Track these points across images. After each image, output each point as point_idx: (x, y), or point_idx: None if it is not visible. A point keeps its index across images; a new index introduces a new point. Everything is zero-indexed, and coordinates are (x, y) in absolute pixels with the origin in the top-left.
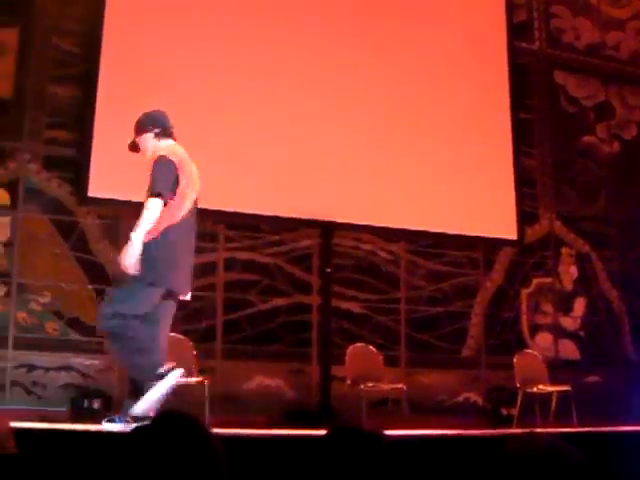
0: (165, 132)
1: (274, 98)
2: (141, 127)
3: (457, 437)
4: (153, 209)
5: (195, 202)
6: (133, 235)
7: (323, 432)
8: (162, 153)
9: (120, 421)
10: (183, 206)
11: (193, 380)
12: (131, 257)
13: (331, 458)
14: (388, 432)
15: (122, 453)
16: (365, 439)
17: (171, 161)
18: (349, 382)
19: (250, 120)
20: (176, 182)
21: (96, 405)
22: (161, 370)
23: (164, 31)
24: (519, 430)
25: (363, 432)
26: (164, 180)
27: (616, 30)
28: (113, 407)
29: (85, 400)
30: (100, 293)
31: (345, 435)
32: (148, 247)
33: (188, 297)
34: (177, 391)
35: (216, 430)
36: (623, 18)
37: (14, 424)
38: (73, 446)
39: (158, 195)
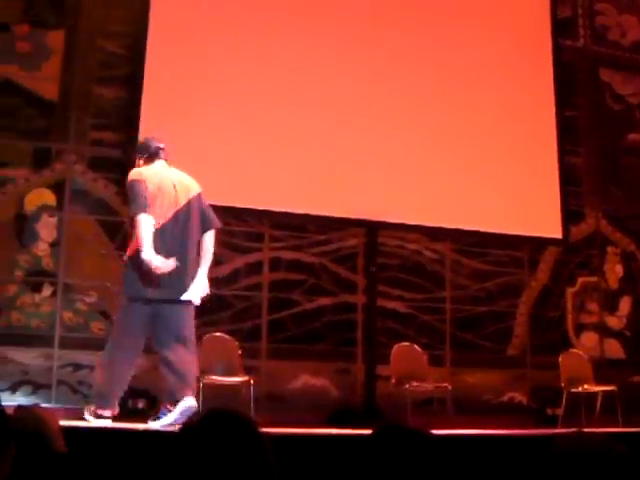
0: (151, 157)
1: (322, 98)
2: (135, 158)
3: (503, 437)
4: (141, 225)
5: (181, 208)
6: (144, 255)
7: (369, 431)
8: (130, 177)
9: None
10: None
11: (239, 379)
12: (160, 267)
13: (378, 457)
14: (434, 432)
15: (171, 452)
16: (412, 437)
17: (139, 180)
18: (394, 381)
19: (297, 120)
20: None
21: (141, 405)
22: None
23: (209, 32)
24: (566, 430)
25: (410, 430)
26: (137, 198)
27: None
28: (158, 406)
29: (130, 400)
30: None
31: (392, 434)
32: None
33: (194, 301)
34: (223, 390)
35: (262, 429)
36: None
37: (64, 423)
38: (121, 445)
39: (135, 214)
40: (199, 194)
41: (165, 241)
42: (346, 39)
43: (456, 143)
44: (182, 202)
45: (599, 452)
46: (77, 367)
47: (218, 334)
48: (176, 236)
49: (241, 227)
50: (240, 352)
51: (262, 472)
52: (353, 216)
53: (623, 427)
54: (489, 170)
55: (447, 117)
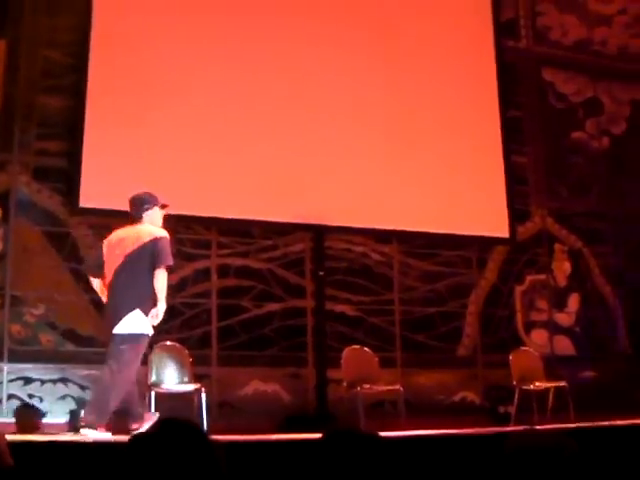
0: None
1: (265, 104)
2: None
3: (455, 436)
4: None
5: (118, 265)
6: (162, 305)
7: (319, 435)
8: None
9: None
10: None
11: (190, 387)
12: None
13: (328, 461)
14: (386, 433)
15: (122, 462)
16: (361, 441)
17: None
18: (345, 385)
19: (241, 126)
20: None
21: None
22: None
23: (152, 39)
24: (518, 427)
25: (359, 434)
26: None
27: (603, 26)
28: (111, 417)
29: (82, 411)
30: (94, 303)
31: (341, 438)
32: None
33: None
34: (175, 399)
35: (214, 437)
36: (609, 14)
37: (10, 437)
38: (72, 457)
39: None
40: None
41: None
42: (294, 45)
43: (402, 145)
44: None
45: (550, 449)
46: (27, 380)
47: (168, 342)
48: (120, 282)
49: (188, 235)
50: (190, 360)
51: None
52: (299, 220)
53: (575, 423)
54: (435, 171)
55: (392, 119)
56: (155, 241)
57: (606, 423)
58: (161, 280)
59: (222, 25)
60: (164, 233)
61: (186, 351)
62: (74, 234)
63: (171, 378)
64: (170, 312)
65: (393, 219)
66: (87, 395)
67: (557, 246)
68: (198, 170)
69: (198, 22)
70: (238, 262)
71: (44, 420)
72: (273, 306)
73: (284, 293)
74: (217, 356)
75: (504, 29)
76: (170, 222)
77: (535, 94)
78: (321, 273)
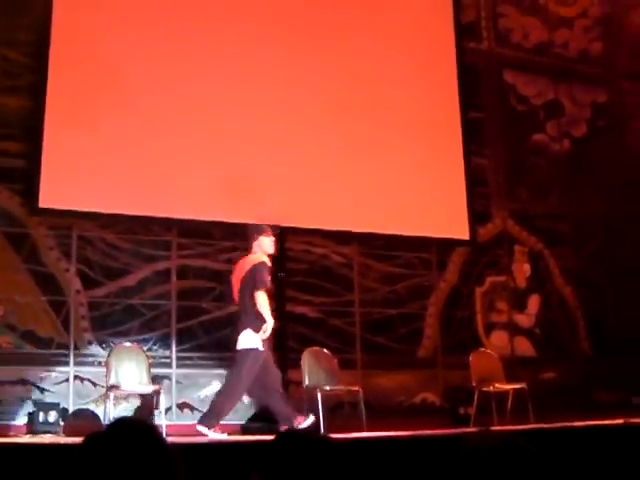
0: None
1: (225, 105)
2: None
3: (413, 438)
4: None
5: (237, 289)
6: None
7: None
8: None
9: None
10: None
11: (148, 389)
12: None
13: (279, 463)
14: (344, 435)
15: (76, 462)
16: (311, 443)
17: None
18: (305, 386)
19: (202, 127)
20: None
21: (52, 418)
22: None
23: (112, 40)
24: (476, 428)
25: (309, 436)
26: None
27: (564, 28)
28: (69, 419)
29: (41, 413)
30: (53, 304)
31: (292, 440)
32: None
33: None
34: (134, 400)
35: (172, 438)
36: (570, 16)
37: None
38: (30, 459)
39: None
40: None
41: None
42: (248, 44)
43: (362, 147)
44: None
45: (504, 450)
46: None
47: (127, 344)
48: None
49: (149, 236)
50: (150, 361)
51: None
52: (259, 221)
53: (534, 424)
54: (396, 173)
55: (353, 121)
56: (253, 267)
57: (565, 424)
58: (260, 301)
59: (181, 25)
60: (262, 259)
61: (145, 352)
62: (34, 235)
63: (130, 379)
64: (129, 313)
65: (353, 221)
66: (46, 397)
67: (517, 248)
68: (158, 171)
69: (157, 22)
70: (198, 263)
71: (2, 422)
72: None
73: None
74: (177, 357)
75: (465, 31)
76: (129, 223)
77: (496, 96)
78: (281, 274)
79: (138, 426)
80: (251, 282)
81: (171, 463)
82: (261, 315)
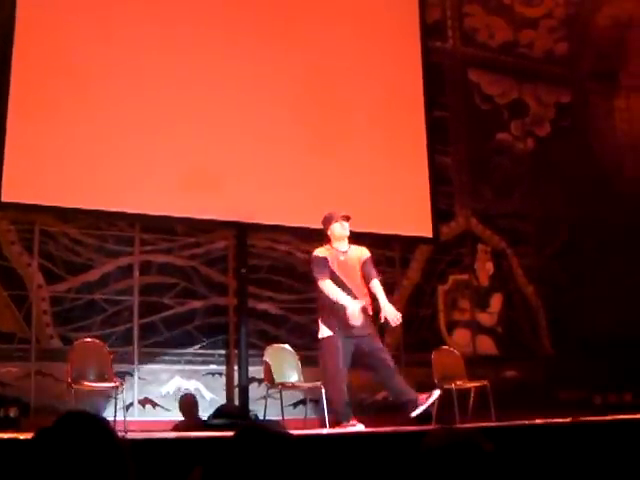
0: None
1: (185, 99)
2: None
3: (374, 435)
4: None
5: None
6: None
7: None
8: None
9: None
10: None
11: (110, 385)
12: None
13: (239, 459)
14: (305, 431)
15: (26, 455)
16: (271, 439)
17: None
18: (267, 383)
19: (164, 123)
20: None
21: (13, 413)
22: None
23: (76, 35)
24: (437, 426)
25: (269, 432)
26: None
27: (529, 29)
28: (31, 414)
29: (1, 408)
30: (15, 299)
31: (252, 435)
32: None
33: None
34: (95, 396)
35: (133, 434)
36: (536, 17)
37: None
38: None
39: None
40: None
41: None
42: (211, 40)
43: (326, 144)
44: None
45: (464, 447)
46: None
47: (89, 339)
48: None
49: (111, 231)
50: (111, 357)
51: (116, 473)
52: (223, 218)
53: (495, 422)
54: (360, 170)
55: (317, 117)
56: (310, 261)
57: (526, 422)
58: (324, 290)
59: (143, 22)
60: (316, 252)
61: (107, 348)
62: None
63: (91, 375)
64: (91, 309)
65: (316, 217)
66: (6, 392)
67: (480, 246)
68: (122, 166)
69: (120, 19)
70: (161, 259)
71: None
72: (195, 303)
73: (207, 290)
74: (139, 353)
75: (431, 30)
76: (92, 218)
77: (461, 95)
78: (243, 271)
79: (88, 419)
80: (312, 275)
81: (121, 457)
82: (324, 306)
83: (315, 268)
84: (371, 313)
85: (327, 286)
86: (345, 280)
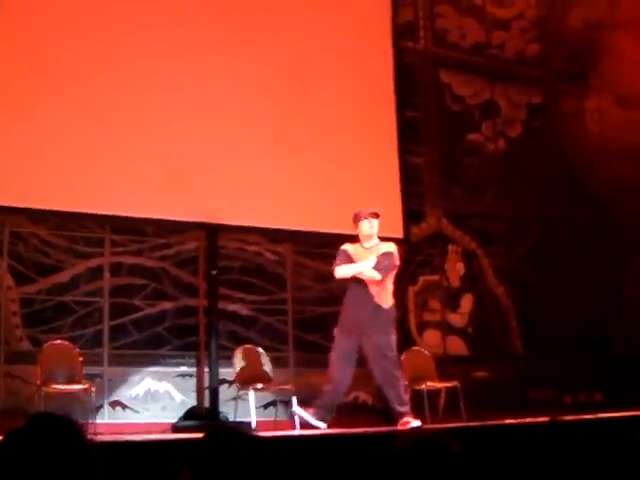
0: None
1: (155, 100)
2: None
3: (343, 436)
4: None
5: None
6: None
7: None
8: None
9: None
10: None
11: (80, 387)
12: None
13: (209, 460)
14: (275, 433)
15: None
16: (240, 441)
17: None
18: (238, 384)
19: (134, 124)
20: None
21: None
22: None
23: (44, 30)
24: (405, 427)
25: (239, 434)
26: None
27: (501, 30)
28: None
29: None
30: None
31: (221, 437)
32: None
33: None
34: (65, 398)
35: (103, 436)
36: (508, 18)
37: None
38: None
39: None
40: None
41: None
42: (182, 41)
43: (297, 144)
44: None
45: (433, 448)
46: None
47: (59, 341)
48: None
49: (81, 232)
50: (81, 359)
51: (85, 474)
52: (193, 219)
53: (466, 422)
54: (330, 171)
55: (287, 118)
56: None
57: (496, 422)
58: (338, 276)
59: (116, 21)
60: (344, 246)
61: (77, 350)
62: None
63: (61, 377)
64: (61, 310)
65: (287, 218)
66: None
67: (451, 247)
68: (91, 167)
69: (92, 18)
70: (131, 260)
71: None
72: (166, 305)
73: (177, 292)
74: (109, 355)
75: (403, 30)
76: (62, 219)
77: (432, 95)
78: (214, 272)
79: (58, 421)
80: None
81: (90, 459)
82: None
83: (335, 260)
84: (388, 310)
85: (339, 270)
86: None
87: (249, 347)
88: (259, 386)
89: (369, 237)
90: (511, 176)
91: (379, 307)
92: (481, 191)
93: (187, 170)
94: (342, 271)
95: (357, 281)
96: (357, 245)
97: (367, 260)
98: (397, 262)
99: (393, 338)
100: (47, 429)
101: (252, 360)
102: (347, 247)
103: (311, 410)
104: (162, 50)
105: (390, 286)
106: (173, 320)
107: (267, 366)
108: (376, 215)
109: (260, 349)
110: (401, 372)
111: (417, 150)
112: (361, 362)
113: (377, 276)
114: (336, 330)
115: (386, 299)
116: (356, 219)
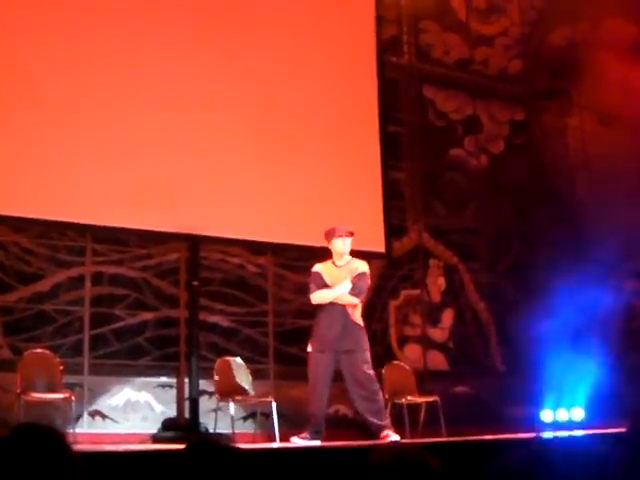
0: None
1: (139, 111)
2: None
3: (323, 449)
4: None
5: None
6: None
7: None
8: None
9: None
10: None
11: (60, 396)
12: None
13: (189, 473)
14: (254, 445)
15: None
16: (221, 453)
17: None
18: (218, 396)
19: (116, 133)
20: None
21: None
22: None
23: (24, 41)
24: (383, 441)
25: (218, 446)
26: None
27: (484, 46)
28: None
29: None
30: None
31: (202, 449)
32: None
33: None
34: (45, 407)
35: (82, 446)
36: (491, 34)
37: None
38: None
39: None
40: None
41: None
42: (164, 49)
43: (280, 157)
44: None
45: (412, 463)
46: None
47: (39, 350)
48: None
49: (63, 241)
50: (61, 368)
51: None
52: (175, 230)
53: (446, 437)
54: (312, 185)
55: (270, 131)
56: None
57: (475, 438)
58: (315, 301)
59: (95, 27)
60: (314, 267)
61: (57, 359)
62: None
63: (41, 386)
64: (42, 319)
65: (269, 231)
66: None
67: (432, 262)
68: (74, 176)
69: (70, 25)
70: (112, 270)
71: None
72: (146, 315)
73: (158, 302)
74: (89, 364)
75: (386, 45)
76: (44, 228)
77: (415, 111)
78: (195, 283)
79: (41, 431)
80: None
81: (74, 469)
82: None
83: (310, 285)
84: (361, 326)
85: (316, 296)
86: None
87: (229, 358)
88: (239, 398)
89: (341, 255)
90: (493, 192)
91: (354, 324)
92: (462, 206)
93: (170, 181)
94: (319, 297)
95: (331, 302)
96: (329, 263)
97: (342, 283)
98: (369, 281)
99: (368, 354)
100: (32, 439)
101: (232, 372)
102: (319, 269)
103: (304, 435)
104: (145, 62)
105: (360, 303)
106: (154, 331)
107: (247, 377)
108: (351, 234)
109: (240, 360)
110: (378, 386)
111: (399, 165)
112: (340, 376)
113: (355, 301)
114: (311, 349)
115: (358, 316)
116: (329, 235)
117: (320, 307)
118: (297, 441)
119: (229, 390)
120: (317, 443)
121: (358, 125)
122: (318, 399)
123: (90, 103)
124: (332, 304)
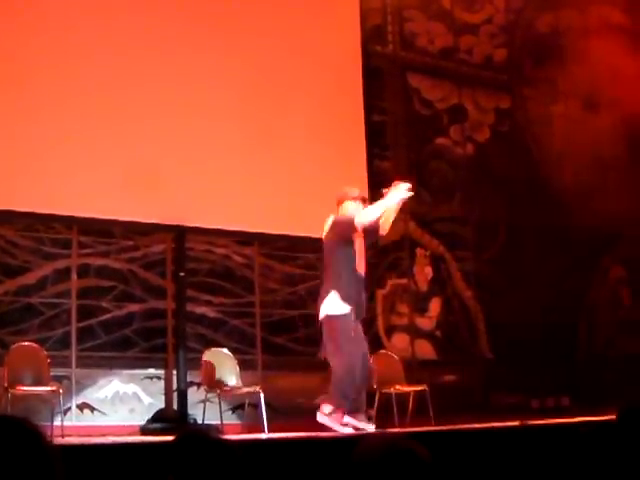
0: None
1: (126, 102)
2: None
3: (310, 439)
4: None
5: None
6: None
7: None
8: None
9: None
10: None
11: (47, 389)
12: None
13: (178, 464)
14: (243, 436)
15: None
16: (211, 444)
17: None
18: (205, 387)
19: (102, 124)
20: None
21: None
22: None
23: (12, 35)
24: (375, 430)
25: (208, 438)
26: None
27: (469, 34)
28: None
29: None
30: None
31: (191, 441)
32: None
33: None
34: (32, 400)
35: (70, 438)
36: (476, 23)
37: None
38: None
39: None
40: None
41: None
42: (151, 39)
43: (265, 147)
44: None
45: (399, 452)
46: None
47: (26, 343)
48: None
49: (48, 233)
50: (49, 361)
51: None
52: (160, 221)
53: (434, 426)
54: (298, 174)
55: (255, 121)
56: (334, 221)
57: (464, 426)
58: (369, 217)
59: (83, 20)
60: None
61: (44, 352)
62: None
63: (28, 379)
64: (28, 312)
65: (255, 221)
66: None
67: (419, 251)
68: (59, 167)
69: (59, 18)
70: (98, 262)
71: None
72: (133, 307)
73: (144, 294)
74: (76, 357)
75: (371, 34)
76: (29, 220)
77: (400, 99)
78: (182, 274)
79: (15, 423)
80: (334, 236)
81: (49, 461)
82: (339, 273)
83: (344, 225)
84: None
85: (367, 214)
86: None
87: (217, 349)
88: (227, 388)
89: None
90: (479, 180)
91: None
92: (449, 195)
93: (155, 172)
94: (370, 214)
95: (353, 267)
96: None
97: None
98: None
99: None
100: (4, 431)
101: (219, 362)
102: None
103: (358, 416)
104: (131, 52)
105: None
106: (141, 322)
107: (235, 368)
108: (364, 200)
109: (227, 351)
110: None
111: (385, 154)
112: (328, 366)
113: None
114: (340, 311)
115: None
116: (342, 199)
117: (344, 269)
118: (351, 422)
119: (215, 382)
120: (371, 427)
121: (343, 114)
122: (357, 368)
123: (75, 96)
124: (355, 271)
